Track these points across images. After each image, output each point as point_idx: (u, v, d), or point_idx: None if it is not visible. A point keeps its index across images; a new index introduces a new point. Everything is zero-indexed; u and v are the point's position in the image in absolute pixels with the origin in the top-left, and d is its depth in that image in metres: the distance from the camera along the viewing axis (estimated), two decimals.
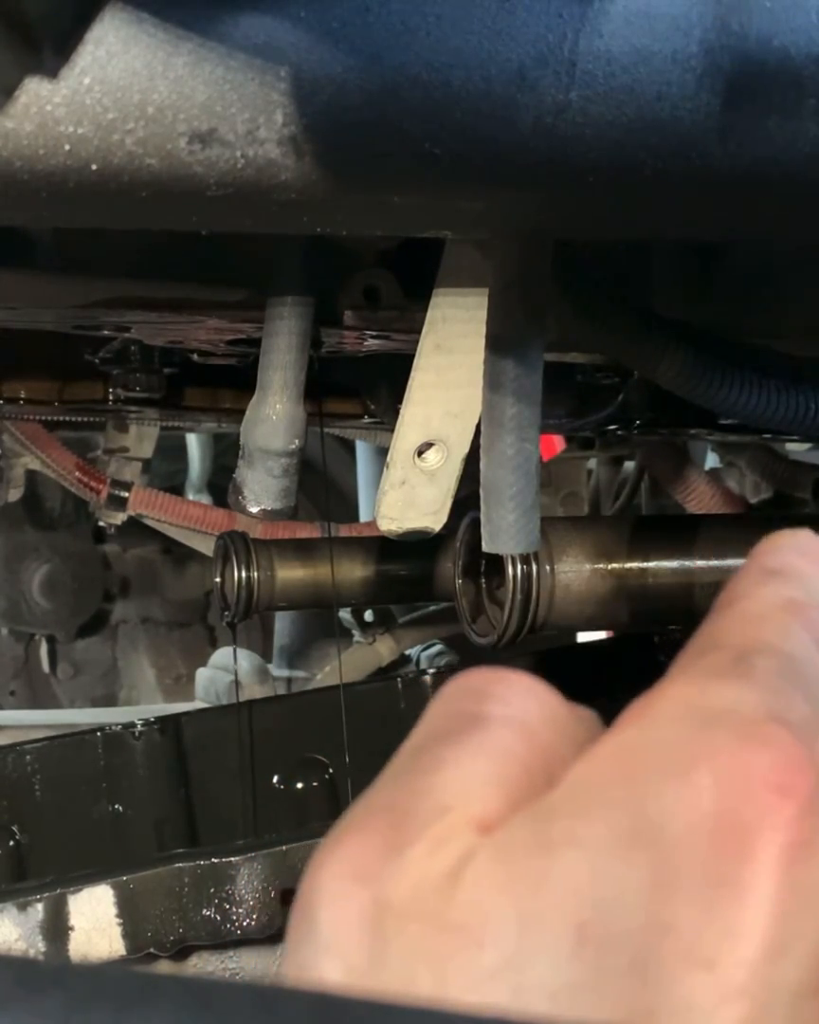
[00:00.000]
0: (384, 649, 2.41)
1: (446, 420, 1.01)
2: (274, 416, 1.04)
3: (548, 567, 1.24)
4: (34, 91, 0.57)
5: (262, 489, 1.06)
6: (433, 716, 0.31)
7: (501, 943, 0.26)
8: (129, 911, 1.22)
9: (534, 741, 0.30)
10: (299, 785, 1.68)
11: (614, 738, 0.29)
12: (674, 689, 0.30)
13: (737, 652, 0.30)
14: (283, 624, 2.98)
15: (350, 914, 0.27)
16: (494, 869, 0.26)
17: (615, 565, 1.28)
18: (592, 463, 2.57)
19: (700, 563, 1.33)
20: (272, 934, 1.25)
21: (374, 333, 1.12)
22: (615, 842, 0.26)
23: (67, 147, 0.58)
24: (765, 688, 0.29)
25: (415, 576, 1.63)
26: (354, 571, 1.61)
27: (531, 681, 0.31)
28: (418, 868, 0.27)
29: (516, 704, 0.30)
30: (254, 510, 1.07)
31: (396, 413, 1.03)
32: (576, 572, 1.26)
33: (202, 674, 2.60)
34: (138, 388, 1.50)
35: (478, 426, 0.95)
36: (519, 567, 1.23)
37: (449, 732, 0.30)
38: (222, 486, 1.38)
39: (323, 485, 2.38)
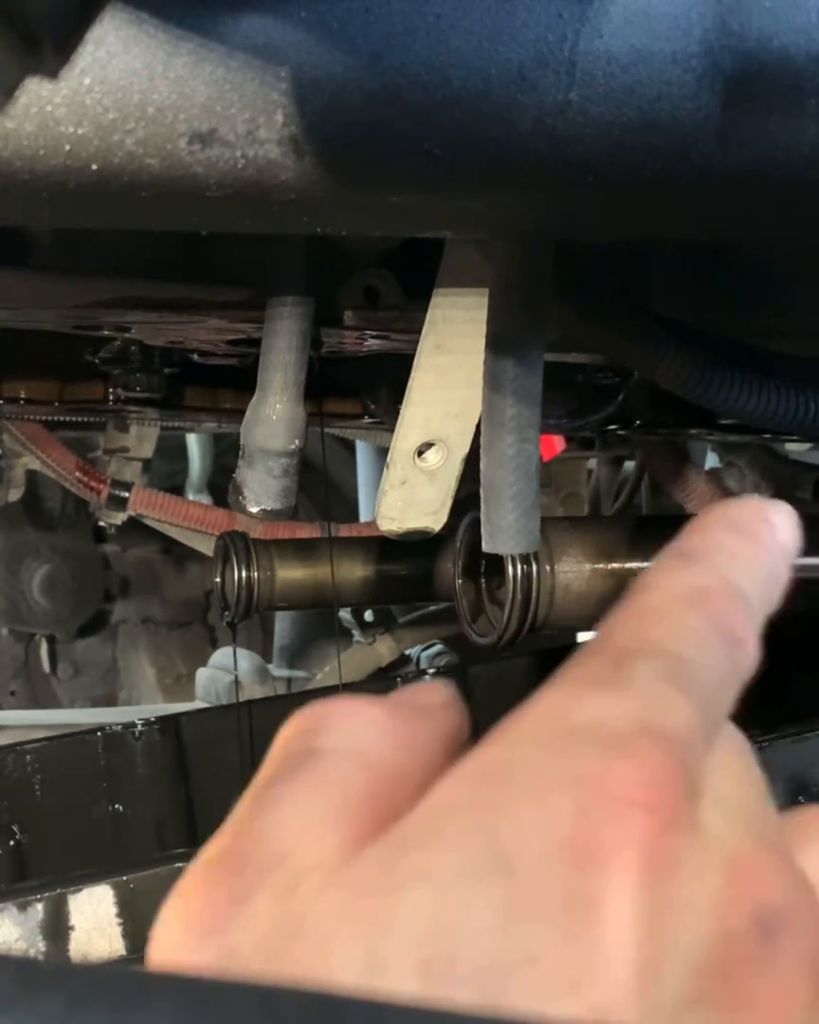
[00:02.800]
0: (384, 649, 2.41)
1: (446, 420, 1.01)
2: (274, 416, 1.04)
3: (548, 567, 1.24)
4: (34, 91, 0.57)
5: (262, 489, 1.06)
6: (270, 758, 0.30)
7: (344, 986, 0.25)
8: (129, 911, 1.22)
9: (377, 770, 0.29)
10: None
11: (472, 761, 0.28)
12: (543, 703, 0.28)
13: (618, 656, 0.29)
14: (283, 624, 2.98)
15: (200, 967, 0.26)
16: (338, 911, 0.26)
17: (615, 565, 1.28)
18: (592, 463, 2.57)
19: None
20: None
21: (374, 333, 1.12)
22: (465, 872, 0.25)
23: (67, 147, 0.58)
24: (640, 695, 0.28)
25: (415, 576, 1.63)
26: (354, 571, 1.61)
27: (368, 707, 0.30)
28: (264, 916, 0.26)
29: (351, 734, 0.29)
30: (254, 510, 1.07)
31: (396, 413, 1.03)
32: (576, 572, 1.26)
33: (202, 674, 2.60)
34: (138, 388, 1.50)
35: (478, 426, 0.95)
36: (519, 567, 1.23)
37: (283, 771, 0.29)
38: (222, 486, 1.38)
39: (323, 485, 2.38)
